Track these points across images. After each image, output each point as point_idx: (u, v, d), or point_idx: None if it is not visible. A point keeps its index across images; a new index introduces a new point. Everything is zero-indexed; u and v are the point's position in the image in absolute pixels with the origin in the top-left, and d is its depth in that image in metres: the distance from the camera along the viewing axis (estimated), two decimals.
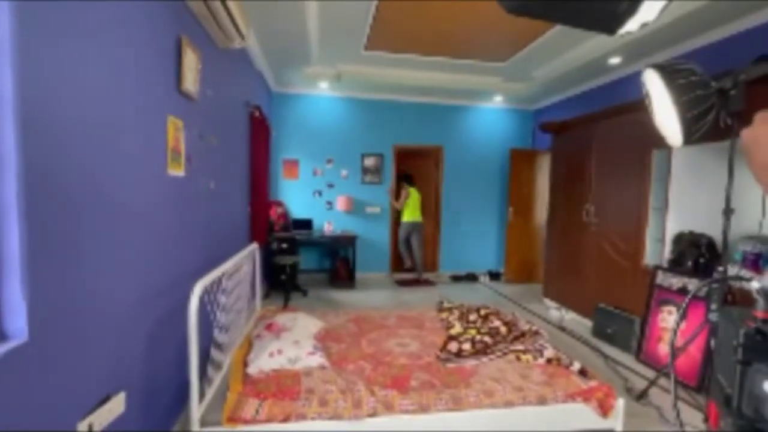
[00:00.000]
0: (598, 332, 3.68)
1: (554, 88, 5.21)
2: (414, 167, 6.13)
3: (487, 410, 1.81)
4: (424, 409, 1.77)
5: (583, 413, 1.89)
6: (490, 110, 6.12)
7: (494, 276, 6.08)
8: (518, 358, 2.22)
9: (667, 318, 3.03)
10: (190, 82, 2.09)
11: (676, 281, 3.04)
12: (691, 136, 2.45)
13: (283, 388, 1.79)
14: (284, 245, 4.86)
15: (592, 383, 1.98)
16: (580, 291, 4.11)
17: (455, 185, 6.09)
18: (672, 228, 3.24)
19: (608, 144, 3.82)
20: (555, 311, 4.42)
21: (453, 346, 2.32)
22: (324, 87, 5.36)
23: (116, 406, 1.41)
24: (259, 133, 4.17)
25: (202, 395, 1.77)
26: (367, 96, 5.69)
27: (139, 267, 1.62)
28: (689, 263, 3.02)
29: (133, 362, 1.59)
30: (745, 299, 2.51)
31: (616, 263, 3.67)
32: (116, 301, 1.45)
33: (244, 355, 2.12)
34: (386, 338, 2.50)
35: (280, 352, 2.01)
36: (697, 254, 2.99)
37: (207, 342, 1.90)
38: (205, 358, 1.89)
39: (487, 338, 2.40)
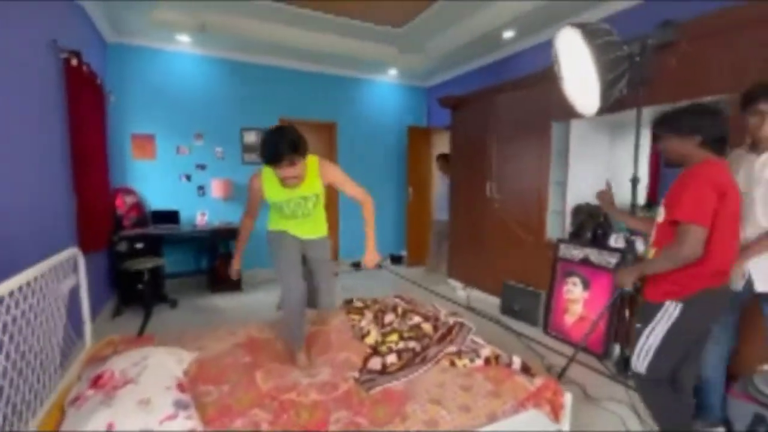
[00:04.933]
0: (507, 309, 3.64)
1: (448, 64, 5.03)
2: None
3: None
4: None
5: (534, 420, 1.60)
6: (385, 85, 5.72)
7: (396, 259, 5.84)
8: (453, 364, 1.85)
9: (572, 289, 3.06)
10: None
11: (577, 252, 3.08)
12: (608, 101, 2.37)
13: None
14: (139, 245, 3.72)
15: (538, 382, 1.71)
16: (485, 269, 4.04)
17: (351, 166, 5.55)
18: (571, 201, 3.29)
19: (508, 119, 3.74)
20: (461, 291, 4.32)
21: (375, 363, 1.82)
22: (185, 41, 4.22)
23: None
24: (86, 95, 2.98)
25: None
26: (246, 58, 4.70)
27: None
28: (588, 234, 3.09)
29: None
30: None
31: (519, 238, 3.65)
32: None
33: None
34: (289, 366, 1.87)
35: (111, 427, 1.23)
36: (595, 225, 3.06)
37: None
38: None
39: (413, 343, 1.97)
